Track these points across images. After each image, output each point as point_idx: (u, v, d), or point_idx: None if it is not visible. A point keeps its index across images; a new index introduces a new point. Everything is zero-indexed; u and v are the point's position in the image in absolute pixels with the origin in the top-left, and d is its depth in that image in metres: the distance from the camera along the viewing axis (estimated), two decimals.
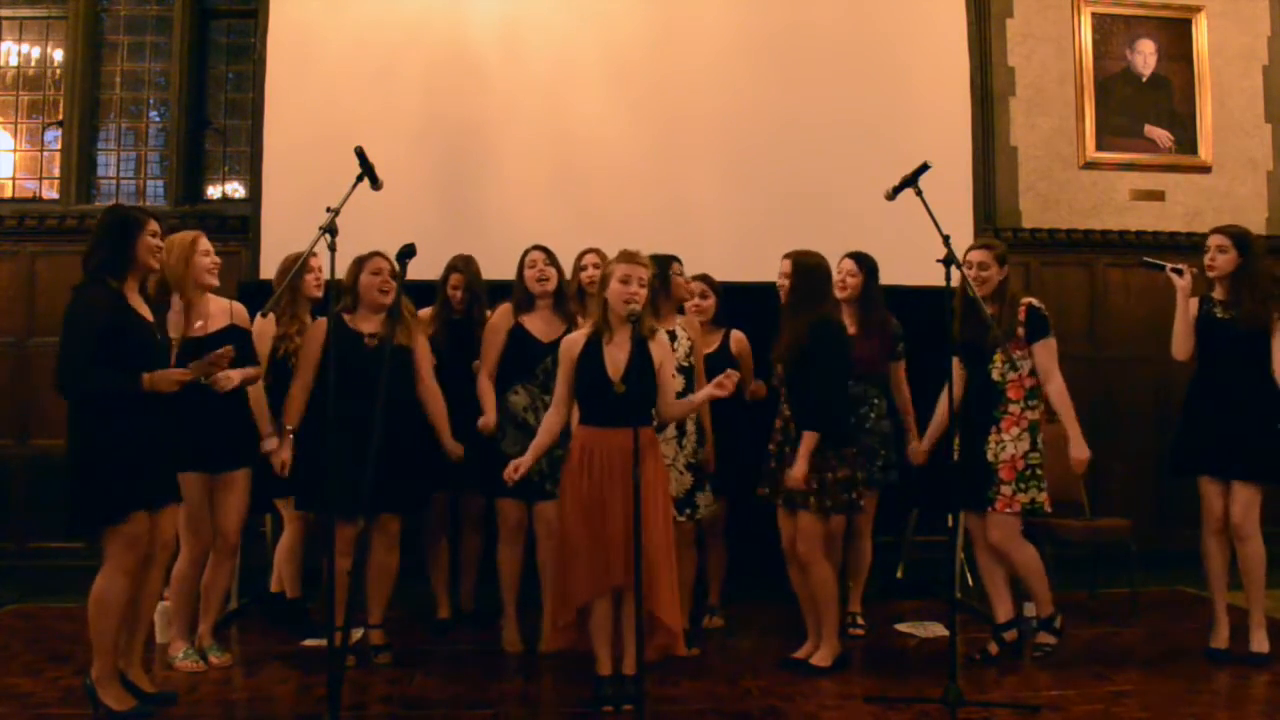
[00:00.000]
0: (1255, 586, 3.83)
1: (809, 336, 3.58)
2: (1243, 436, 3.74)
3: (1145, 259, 4.12)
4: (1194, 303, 3.91)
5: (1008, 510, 3.69)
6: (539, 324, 3.97)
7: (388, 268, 3.73)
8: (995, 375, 3.73)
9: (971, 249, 3.82)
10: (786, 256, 3.74)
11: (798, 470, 3.54)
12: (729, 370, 3.23)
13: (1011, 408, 3.72)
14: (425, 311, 4.22)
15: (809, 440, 3.54)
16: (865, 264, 4.15)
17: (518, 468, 3.33)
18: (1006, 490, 3.68)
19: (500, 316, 4.00)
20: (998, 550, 3.75)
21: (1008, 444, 3.70)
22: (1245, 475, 3.77)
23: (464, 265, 4.23)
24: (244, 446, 3.74)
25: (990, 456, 3.71)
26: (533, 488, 3.86)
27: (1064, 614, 3.89)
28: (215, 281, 3.71)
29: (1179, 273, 3.91)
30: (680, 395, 3.88)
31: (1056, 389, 3.73)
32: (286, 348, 3.96)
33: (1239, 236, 3.84)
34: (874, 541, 4.40)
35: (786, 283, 3.70)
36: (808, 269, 3.67)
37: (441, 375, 3.92)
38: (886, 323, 4.18)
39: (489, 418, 3.91)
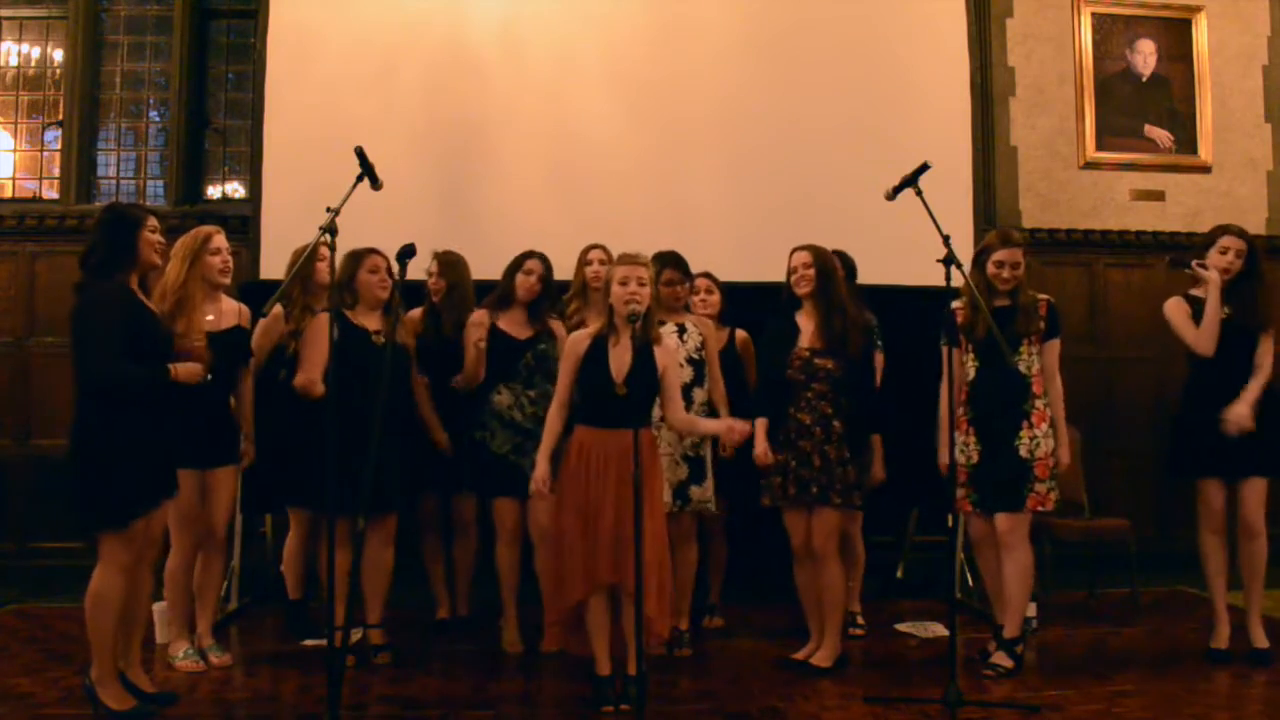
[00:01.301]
0: (1257, 582, 3.85)
1: (865, 340, 3.69)
2: (1250, 433, 3.74)
3: (1173, 259, 4.11)
4: (1184, 304, 3.92)
5: (1040, 508, 3.64)
6: (513, 324, 4.00)
7: (384, 265, 3.74)
8: (1022, 368, 3.67)
9: (1000, 248, 3.72)
10: (803, 249, 3.74)
11: (880, 470, 3.80)
12: (743, 425, 3.41)
13: (1038, 403, 3.67)
14: (416, 312, 4.23)
15: (880, 442, 3.77)
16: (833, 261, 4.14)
17: (541, 485, 3.30)
18: (1041, 489, 3.62)
19: (476, 321, 4.01)
20: (1002, 542, 3.66)
21: (1041, 440, 3.63)
22: (1257, 471, 3.78)
23: (450, 260, 4.23)
24: (231, 444, 3.75)
25: (1025, 453, 3.62)
26: (527, 484, 3.86)
27: (1063, 614, 3.89)
28: (225, 280, 3.71)
29: (1204, 267, 3.90)
30: (687, 386, 3.91)
31: (1059, 390, 3.73)
32: (297, 344, 3.93)
33: (1252, 244, 3.90)
34: (876, 540, 4.41)
35: (810, 272, 3.69)
36: (828, 261, 3.71)
37: (431, 374, 3.98)
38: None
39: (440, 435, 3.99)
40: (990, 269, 3.69)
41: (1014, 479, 3.63)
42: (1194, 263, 3.94)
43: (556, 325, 4.05)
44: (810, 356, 3.67)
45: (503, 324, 3.99)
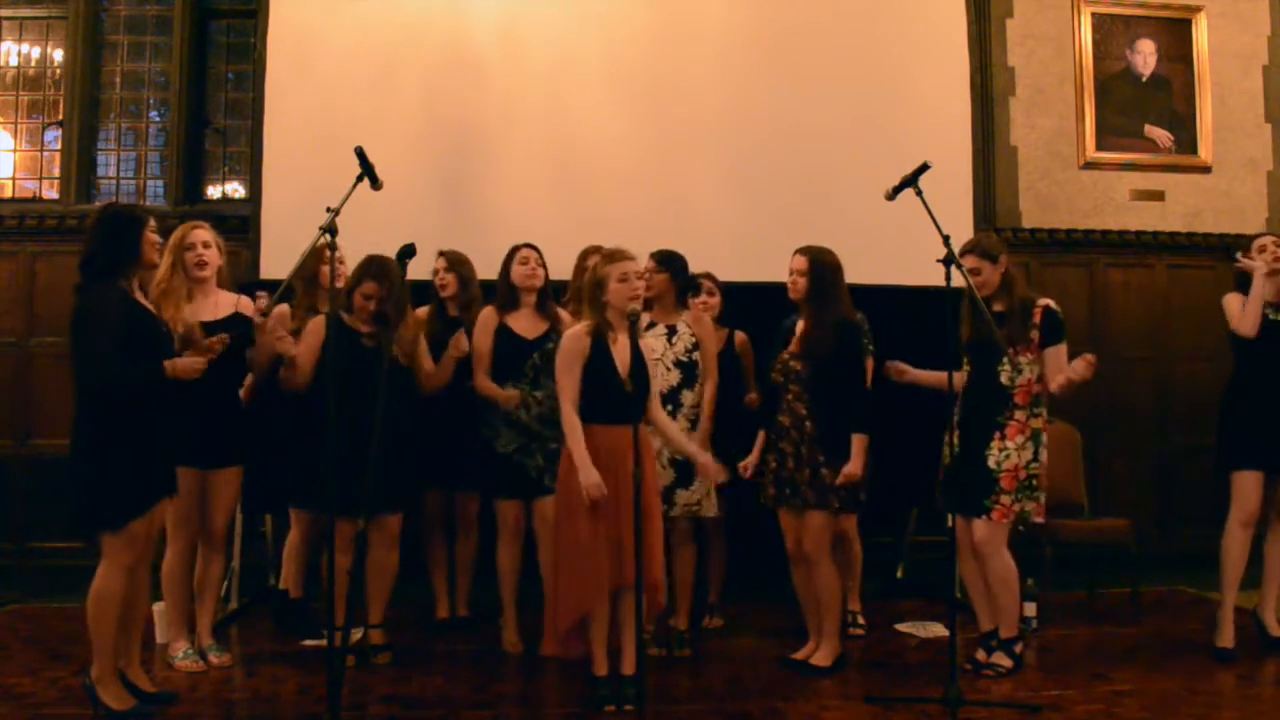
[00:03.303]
0: None
1: (836, 341, 3.60)
2: None
3: (1236, 257, 4.08)
4: (1241, 297, 3.94)
5: (1004, 520, 3.58)
6: (522, 322, 3.99)
7: (378, 292, 3.68)
8: (1004, 379, 3.61)
9: (960, 254, 3.66)
10: (801, 252, 3.72)
11: (853, 468, 3.55)
12: (718, 471, 3.49)
13: (1018, 414, 3.60)
14: (421, 311, 4.23)
15: (861, 442, 3.56)
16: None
17: (597, 490, 3.18)
18: (1006, 500, 3.57)
19: (485, 318, 4.01)
20: (978, 553, 3.65)
21: (1012, 452, 3.58)
22: None
23: (458, 257, 4.23)
24: (237, 445, 3.74)
25: (993, 463, 3.58)
26: (530, 485, 3.87)
27: (1063, 614, 3.86)
28: (201, 275, 3.68)
29: (1249, 258, 3.95)
30: (674, 389, 3.91)
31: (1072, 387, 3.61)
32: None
33: None
34: (876, 540, 4.39)
35: (803, 280, 3.67)
36: (824, 266, 3.66)
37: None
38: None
39: (511, 395, 3.88)
40: None
41: (978, 487, 3.59)
42: (1239, 255, 4.00)
43: (565, 315, 4.03)
44: (789, 360, 3.69)
45: (510, 322, 3.98)
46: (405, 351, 3.74)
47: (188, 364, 3.17)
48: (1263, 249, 3.96)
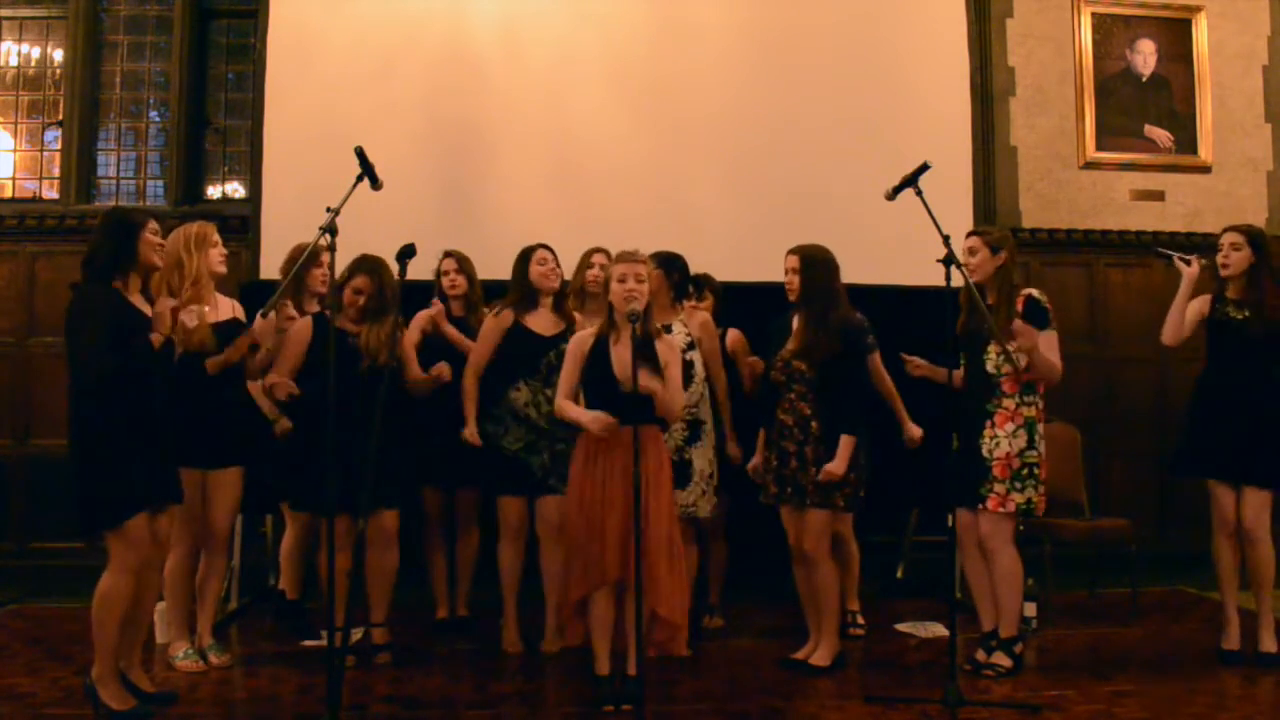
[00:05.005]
0: (1264, 588, 3.83)
1: (843, 341, 3.61)
2: (1256, 440, 3.73)
3: (1157, 248, 4.13)
4: (1204, 300, 3.90)
5: (1000, 510, 3.58)
6: (540, 321, 3.97)
7: (368, 288, 3.70)
8: (989, 367, 3.64)
9: (965, 237, 3.74)
10: (794, 251, 3.72)
11: (837, 466, 3.55)
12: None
13: (1006, 402, 3.61)
14: (422, 315, 4.21)
15: (848, 443, 3.57)
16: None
17: (601, 421, 3.25)
18: (1000, 489, 3.58)
19: (501, 319, 3.98)
20: (984, 548, 3.65)
21: (1002, 440, 3.59)
22: (1257, 480, 3.76)
23: (466, 257, 4.23)
24: (237, 445, 3.73)
25: (985, 452, 3.60)
26: (535, 483, 3.86)
27: (1063, 614, 3.84)
28: (224, 271, 3.73)
29: (1186, 262, 3.94)
30: None
31: (1052, 367, 3.60)
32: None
33: (1253, 234, 3.84)
34: (876, 540, 4.39)
35: (796, 278, 3.68)
36: (817, 264, 3.67)
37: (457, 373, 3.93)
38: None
39: (470, 429, 3.88)
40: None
41: (973, 477, 3.62)
42: (1176, 256, 3.98)
43: (580, 319, 4.02)
44: (790, 358, 3.69)
45: (527, 321, 3.96)
46: (394, 353, 3.72)
47: (185, 327, 3.14)
48: (1220, 248, 3.87)
